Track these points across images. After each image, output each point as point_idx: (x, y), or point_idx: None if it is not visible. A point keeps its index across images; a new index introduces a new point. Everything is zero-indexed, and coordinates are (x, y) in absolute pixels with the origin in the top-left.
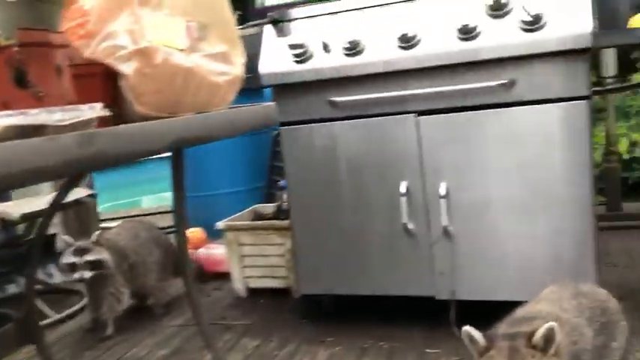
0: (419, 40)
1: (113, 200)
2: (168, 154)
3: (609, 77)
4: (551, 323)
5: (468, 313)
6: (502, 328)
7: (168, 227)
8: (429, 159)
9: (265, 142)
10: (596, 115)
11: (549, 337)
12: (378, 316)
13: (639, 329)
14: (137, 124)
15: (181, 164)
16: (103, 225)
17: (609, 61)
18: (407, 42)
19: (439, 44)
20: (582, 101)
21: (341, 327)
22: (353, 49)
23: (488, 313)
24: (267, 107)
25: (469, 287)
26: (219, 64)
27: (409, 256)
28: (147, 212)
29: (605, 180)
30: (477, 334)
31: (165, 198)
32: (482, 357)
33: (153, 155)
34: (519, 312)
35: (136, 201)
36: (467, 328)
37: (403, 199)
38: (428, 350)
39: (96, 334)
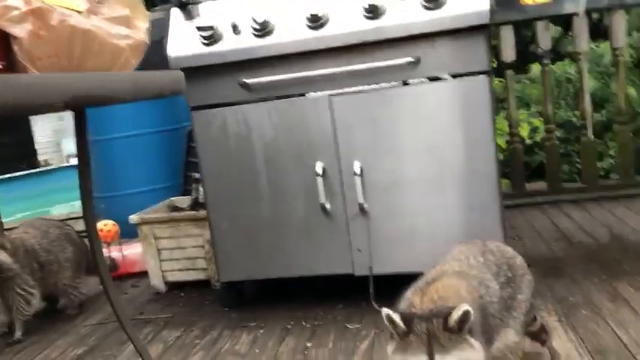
0: (327, 20)
1: (21, 212)
2: (75, 161)
3: (508, 62)
4: (467, 307)
5: (386, 287)
6: (416, 294)
7: (82, 232)
8: (343, 138)
9: (179, 138)
10: (499, 104)
11: (464, 319)
12: (301, 298)
13: (544, 292)
14: (34, 74)
15: (84, 130)
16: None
17: (508, 47)
18: (316, 22)
19: (347, 23)
20: (483, 76)
21: (264, 311)
22: (262, 30)
23: (405, 284)
24: (173, 74)
25: (385, 262)
26: (122, 27)
27: (327, 235)
28: (57, 219)
29: (510, 160)
30: (396, 317)
31: (76, 207)
32: (402, 340)
33: (50, 111)
34: (429, 273)
35: (45, 211)
36: (386, 310)
37: (319, 180)
38: (349, 325)
39: (5, 339)
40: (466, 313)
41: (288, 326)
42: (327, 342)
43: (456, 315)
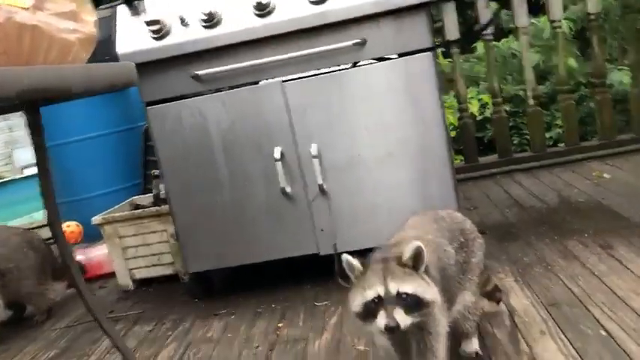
0: (274, 7)
1: None
2: (30, 172)
3: (453, 40)
4: (417, 242)
5: None
6: (375, 254)
7: (49, 239)
8: (299, 122)
9: (135, 137)
10: (449, 85)
11: (418, 256)
12: (270, 282)
13: (497, 255)
14: None
15: (41, 129)
16: None
17: (451, 25)
18: (262, 9)
19: (293, 9)
20: (427, 53)
21: (234, 299)
22: (210, 21)
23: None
24: (125, 65)
25: (348, 239)
26: (69, 22)
27: (290, 218)
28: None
29: (461, 135)
30: (354, 261)
31: (35, 218)
32: (359, 280)
33: (3, 108)
34: (389, 241)
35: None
36: (345, 255)
37: (279, 164)
38: (317, 303)
39: None
40: (418, 249)
41: (259, 310)
42: (297, 321)
43: (408, 251)
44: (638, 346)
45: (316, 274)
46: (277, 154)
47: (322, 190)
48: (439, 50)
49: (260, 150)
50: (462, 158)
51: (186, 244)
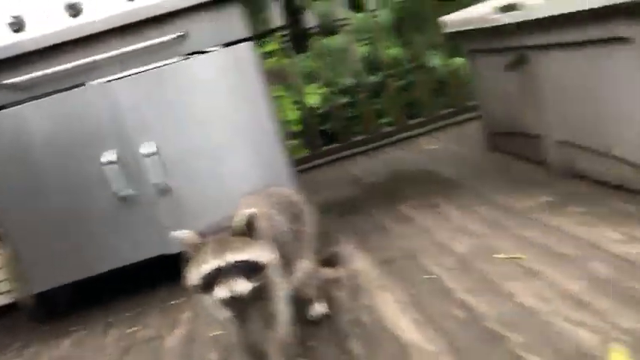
0: (84, 7)
1: None
2: None
3: (279, 30)
4: (248, 210)
5: None
6: (209, 227)
7: None
8: (132, 121)
9: None
10: (290, 81)
11: (250, 223)
12: (122, 291)
13: (341, 228)
14: None
15: None
16: None
17: (274, 15)
18: (74, 9)
19: (106, 7)
20: (247, 42)
21: (85, 314)
22: (18, 25)
23: None
24: None
25: None
26: None
27: (132, 222)
28: None
29: (304, 128)
30: (185, 235)
31: None
32: (195, 254)
33: None
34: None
35: None
36: (175, 233)
37: (113, 168)
38: (172, 302)
39: None
40: (250, 216)
41: (110, 320)
42: (151, 322)
43: (240, 219)
44: (455, 281)
45: (170, 273)
46: (109, 158)
47: (165, 188)
48: (279, 48)
49: (93, 155)
50: (308, 151)
51: (24, 266)
